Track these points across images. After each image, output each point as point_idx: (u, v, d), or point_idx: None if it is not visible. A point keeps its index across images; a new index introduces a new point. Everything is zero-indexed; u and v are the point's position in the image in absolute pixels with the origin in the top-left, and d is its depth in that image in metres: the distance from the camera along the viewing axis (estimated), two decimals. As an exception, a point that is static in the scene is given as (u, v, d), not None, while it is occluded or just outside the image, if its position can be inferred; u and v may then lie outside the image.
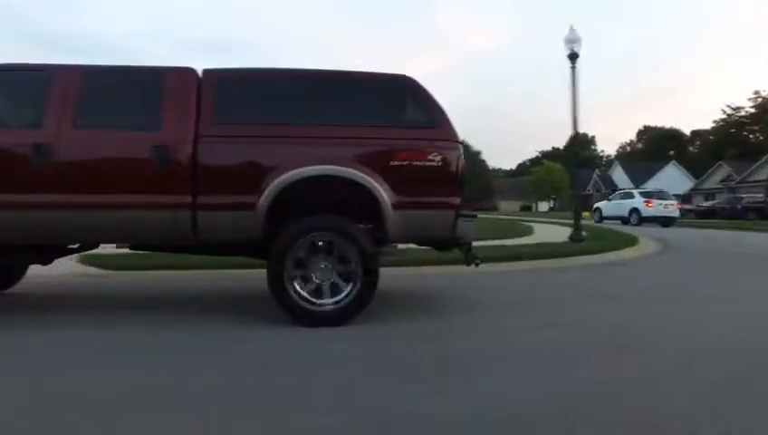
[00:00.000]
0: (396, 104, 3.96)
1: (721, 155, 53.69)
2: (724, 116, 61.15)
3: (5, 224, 3.41)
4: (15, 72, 3.66)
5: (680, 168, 54.35)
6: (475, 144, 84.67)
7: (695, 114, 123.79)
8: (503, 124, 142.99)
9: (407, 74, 3.97)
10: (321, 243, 3.56)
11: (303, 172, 3.53)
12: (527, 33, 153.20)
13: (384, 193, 3.58)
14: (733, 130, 58.97)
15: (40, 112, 3.49)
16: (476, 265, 4.35)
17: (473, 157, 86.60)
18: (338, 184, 3.59)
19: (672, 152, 67.97)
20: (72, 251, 4.27)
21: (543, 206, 57.02)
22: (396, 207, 3.61)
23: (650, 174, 53.11)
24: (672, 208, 20.26)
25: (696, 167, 54.49)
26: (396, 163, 3.67)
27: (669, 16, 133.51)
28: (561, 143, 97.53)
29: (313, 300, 3.53)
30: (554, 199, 52.79)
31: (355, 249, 3.51)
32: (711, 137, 64.76)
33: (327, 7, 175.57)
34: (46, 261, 4.15)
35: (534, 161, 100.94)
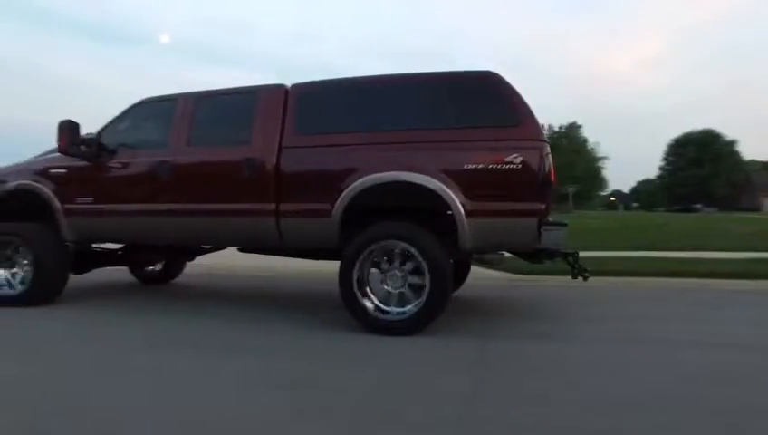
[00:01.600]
0: (475, 103, 3.67)
1: None
2: None
3: (143, 226, 4.14)
4: (154, 102, 4.41)
5: None
6: (729, 132, 71.43)
7: None
8: (760, 105, 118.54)
9: (491, 70, 3.68)
10: (391, 251, 3.48)
11: (374, 179, 3.51)
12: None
13: (457, 199, 3.39)
14: None
15: (167, 134, 4.16)
16: (585, 278, 3.89)
17: (726, 147, 73.07)
18: (409, 190, 3.47)
19: None
20: (207, 251, 4.98)
21: None
22: (470, 214, 3.38)
23: None
24: None
25: None
26: (471, 167, 3.44)
27: None
28: None
29: (383, 307, 3.47)
30: None
31: (424, 258, 3.36)
32: None
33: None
34: (189, 258, 4.94)
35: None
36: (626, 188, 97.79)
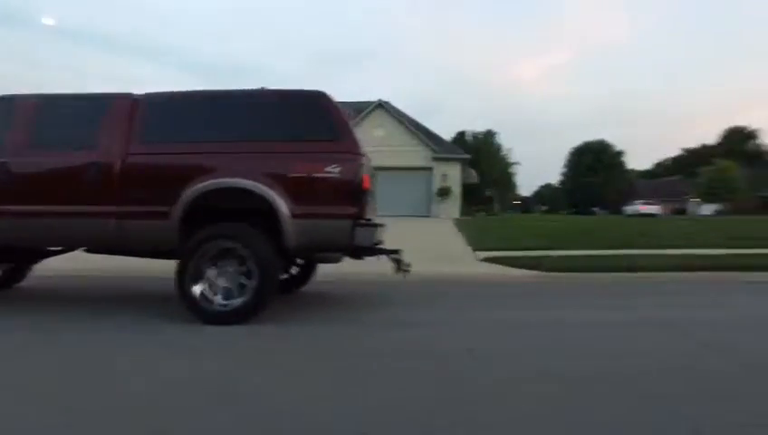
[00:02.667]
0: (303, 119, 4.16)
1: None
2: None
3: None
4: None
5: None
6: (618, 143, 78.90)
7: None
8: (637, 121, 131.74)
9: (320, 90, 4.19)
10: (224, 249, 3.87)
11: (209, 185, 3.91)
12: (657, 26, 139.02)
13: (282, 203, 3.84)
14: None
15: (5, 136, 4.23)
16: (406, 272, 4.54)
17: (615, 158, 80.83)
18: (241, 195, 3.90)
19: None
20: (55, 253, 5.05)
21: (706, 209, 50.46)
22: (294, 216, 3.84)
23: None
24: None
25: None
26: (295, 175, 3.94)
27: None
28: (708, 139, 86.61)
29: (212, 299, 3.84)
30: (726, 202, 46.53)
31: (251, 255, 3.78)
32: None
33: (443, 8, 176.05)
34: (32, 261, 5.00)
35: (678, 160, 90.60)
36: (528, 192, 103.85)
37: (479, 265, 7.76)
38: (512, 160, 70.72)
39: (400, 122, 23.81)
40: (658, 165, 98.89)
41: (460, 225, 16.83)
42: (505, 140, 71.09)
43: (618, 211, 58.93)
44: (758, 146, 79.85)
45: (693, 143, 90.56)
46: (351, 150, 4.00)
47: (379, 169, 20.86)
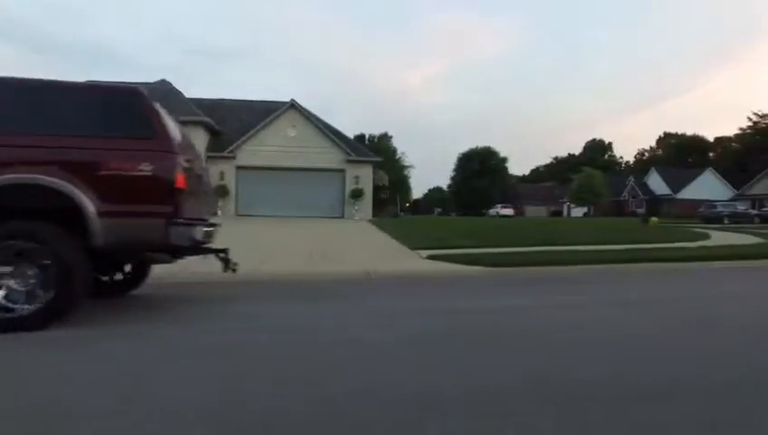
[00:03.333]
0: (117, 115, 4.07)
1: (746, 163, 53.24)
2: (750, 123, 60.67)
3: None
4: None
5: (717, 175, 54.03)
6: (501, 150, 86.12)
7: (711, 121, 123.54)
8: (514, 130, 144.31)
9: (137, 87, 4.32)
10: (21, 250, 3.63)
11: (6, 180, 3.62)
12: (535, 37, 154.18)
13: (88, 201, 3.69)
14: (759, 137, 58.03)
15: None
16: (234, 270, 4.82)
17: (500, 163, 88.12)
18: (40, 192, 3.67)
19: (691, 160, 67.90)
20: None
21: (577, 212, 57.26)
22: (102, 214, 3.72)
23: (686, 181, 53.13)
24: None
25: (724, 174, 54.07)
26: (104, 172, 3.80)
27: (669, 18, 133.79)
28: (574, 149, 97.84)
29: (8, 305, 3.59)
30: (592, 205, 53.05)
31: (51, 256, 3.59)
32: (735, 144, 64.27)
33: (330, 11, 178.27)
34: None
35: (549, 167, 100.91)
36: (418, 195, 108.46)
37: (425, 263, 8.49)
38: (406, 164, 73.89)
39: (313, 124, 24.17)
40: (533, 170, 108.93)
41: (380, 225, 17.73)
42: (396, 144, 74.40)
43: (481, 214, 64.59)
44: (612, 156, 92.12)
45: (562, 152, 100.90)
46: (166, 149, 3.94)
47: (292, 169, 21.52)
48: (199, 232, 4.26)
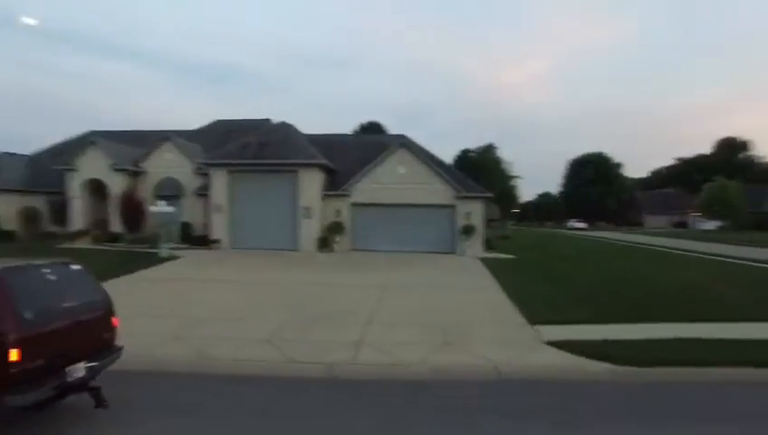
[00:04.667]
0: None
1: None
2: None
3: None
4: None
5: None
6: (615, 151, 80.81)
7: None
8: (630, 128, 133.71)
9: None
10: None
11: None
12: (651, 24, 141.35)
13: None
14: None
15: None
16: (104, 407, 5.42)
17: (615, 169, 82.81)
18: None
19: None
20: None
21: (709, 225, 52.09)
22: None
23: None
24: None
25: None
26: None
27: None
28: (702, 148, 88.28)
29: None
30: (725, 218, 48.12)
31: None
32: None
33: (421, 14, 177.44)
34: None
35: (672, 169, 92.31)
36: (528, 197, 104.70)
37: (549, 353, 7.86)
38: (512, 174, 72.04)
39: (422, 161, 24.77)
40: (655, 173, 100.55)
41: (490, 267, 17.79)
42: (500, 145, 72.79)
43: (622, 223, 60.33)
44: (750, 157, 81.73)
45: (687, 152, 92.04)
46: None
47: (403, 206, 22.38)
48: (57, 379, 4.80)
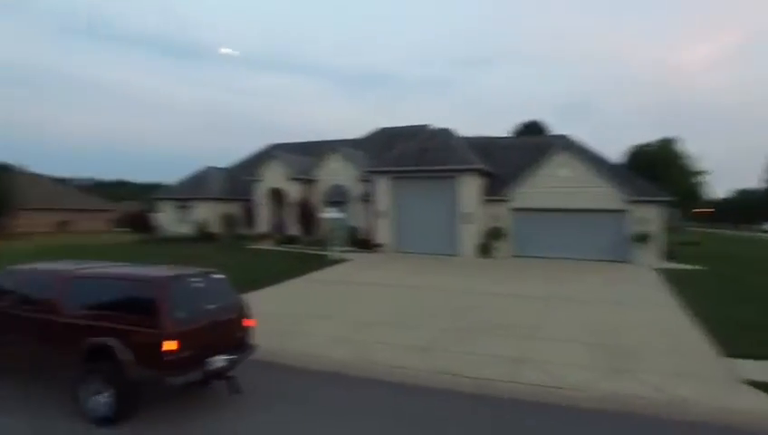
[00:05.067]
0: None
1: None
2: None
3: None
4: None
5: None
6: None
7: None
8: None
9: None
10: None
11: None
12: None
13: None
14: None
15: None
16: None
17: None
18: None
19: None
20: None
21: None
22: None
23: None
24: None
25: None
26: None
27: None
28: None
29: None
30: None
31: None
32: None
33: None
34: None
35: None
36: (716, 196, 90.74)
37: (747, 397, 6.69)
38: (698, 169, 62.79)
39: (587, 162, 23.14)
40: None
41: (669, 280, 15.89)
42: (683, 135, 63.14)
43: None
44: None
45: None
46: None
47: (567, 211, 21.09)
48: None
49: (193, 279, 6.71)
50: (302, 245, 27.45)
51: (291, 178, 30.19)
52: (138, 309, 6.10)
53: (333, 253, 22.35)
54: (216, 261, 21.84)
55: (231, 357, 6.58)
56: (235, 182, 35.00)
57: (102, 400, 6.02)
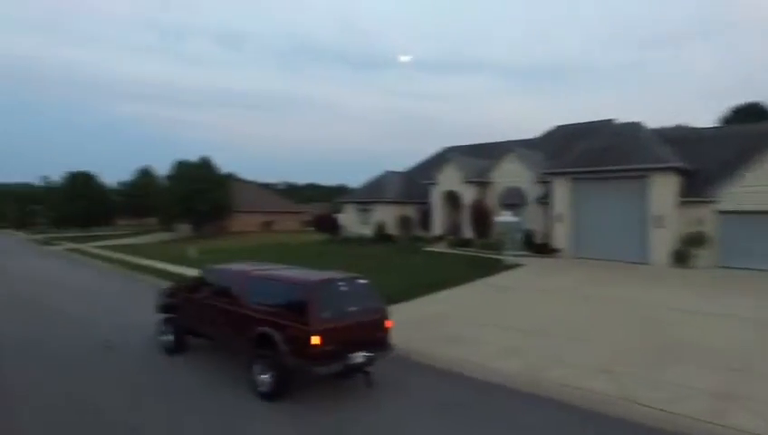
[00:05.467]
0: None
1: None
2: None
3: None
4: None
5: None
6: None
7: None
8: None
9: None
10: None
11: None
12: None
13: None
14: None
15: None
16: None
17: None
18: None
19: None
20: None
21: None
22: None
23: None
24: None
25: None
26: None
27: None
28: None
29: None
30: None
31: None
32: None
33: None
34: None
35: None
36: None
37: None
38: None
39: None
40: None
41: None
42: None
43: None
44: None
45: None
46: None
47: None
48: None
49: (340, 283, 7.62)
50: (476, 248, 27.44)
51: (465, 180, 30.40)
52: (293, 307, 7.20)
53: (508, 257, 21.93)
54: (392, 262, 23.10)
55: (369, 354, 7.35)
56: (412, 185, 36.50)
57: (266, 379, 7.27)
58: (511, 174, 29.48)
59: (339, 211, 41.27)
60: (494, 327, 11.19)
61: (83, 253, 33.28)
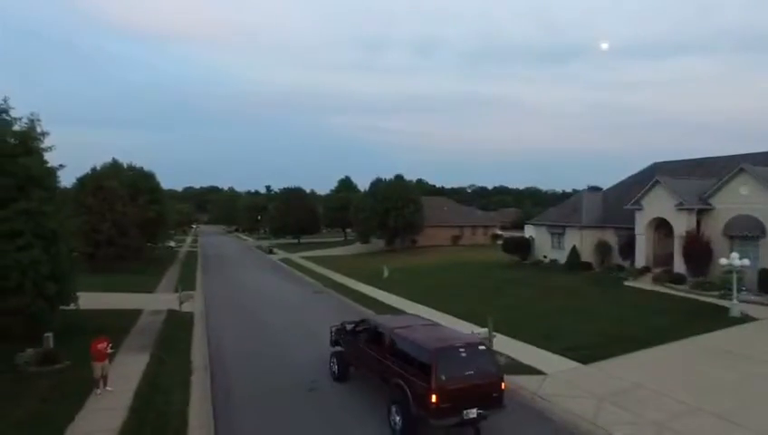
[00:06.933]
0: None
1: None
2: None
3: None
4: None
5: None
6: None
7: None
8: None
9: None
10: None
11: None
12: None
13: None
14: None
15: None
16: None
17: None
18: None
19: None
20: None
21: None
22: None
23: None
24: None
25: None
26: None
27: None
28: None
29: None
30: None
31: None
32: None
33: None
34: None
35: None
36: None
37: None
38: None
39: None
40: None
41: None
42: None
43: None
44: None
45: None
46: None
47: None
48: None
49: (460, 350, 8.74)
50: (690, 287, 23.40)
51: (678, 206, 26.10)
52: (420, 366, 8.58)
53: (734, 306, 18.03)
54: (585, 300, 20.95)
55: (482, 411, 8.34)
56: (611, 207, 32.83)
57: (398, 420, 8.79)
58: (742, 199, 24.36)
59: (525, 222, 39.19)
60: (712, 417, 9.14)
61: (297, 265, 37.85)
